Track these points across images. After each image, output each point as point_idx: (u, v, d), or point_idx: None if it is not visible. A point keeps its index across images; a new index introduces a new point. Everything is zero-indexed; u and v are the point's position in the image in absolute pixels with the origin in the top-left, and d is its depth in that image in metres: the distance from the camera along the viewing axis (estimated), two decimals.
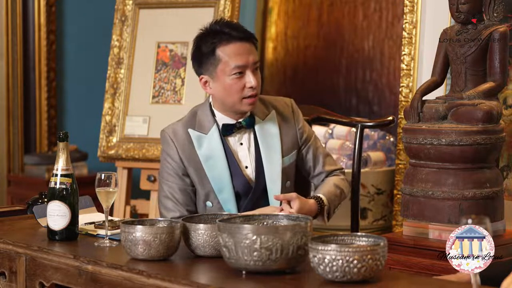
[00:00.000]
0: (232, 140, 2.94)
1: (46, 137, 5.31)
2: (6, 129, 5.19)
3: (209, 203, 2.90)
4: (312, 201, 2.88)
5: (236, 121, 2.92)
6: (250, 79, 2.83)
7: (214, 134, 2.91)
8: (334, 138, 4.59)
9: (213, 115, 2.93)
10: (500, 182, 2.98)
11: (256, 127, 2.94)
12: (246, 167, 2.93)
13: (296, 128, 3.00)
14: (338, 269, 1.99)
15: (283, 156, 2.94)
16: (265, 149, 2.92)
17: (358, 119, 3.52)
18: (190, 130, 2.92)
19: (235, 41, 2.84)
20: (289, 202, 2.79)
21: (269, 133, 2.94)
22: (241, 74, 2.84)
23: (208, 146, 2.90)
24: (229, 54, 2.84)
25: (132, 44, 4.48)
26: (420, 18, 3.94)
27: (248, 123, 2.93)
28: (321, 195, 2.93)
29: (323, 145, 4.54)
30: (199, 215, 2.48)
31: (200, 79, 2.92)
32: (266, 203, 2.89)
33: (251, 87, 2.84)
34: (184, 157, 2.91)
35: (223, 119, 2.92)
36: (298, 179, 3.11)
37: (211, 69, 2.87)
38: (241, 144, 2.94)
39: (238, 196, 2.91)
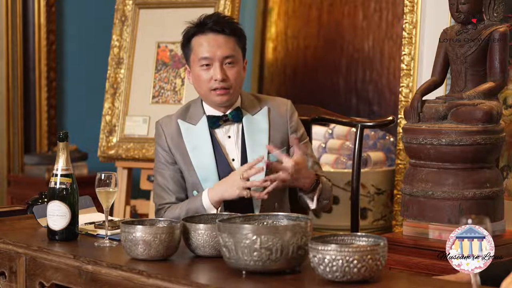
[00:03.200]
0: (220, 132, 2.96)
1: (46, 137, 5.31)
2: (6, 129, 5.19)
3: (195, 193, 2.93)
4: (312, 171, 2.86)
5: (223, 113, 2.94)
6: (216, 72, 2.87)
7: (202, 125, 2.95)
8: (334, 138, 4.59)
9: (203, 107, 2.97)
10: (500, 182, 2.98)
11: (244, 121, 2.95)
12: (233, 159, 2.94)
13: (288, 126, 3.00)
14: (338, 269, 1.99)
15: (269, 152, 2.94)
16: (251, 143, 2.93)
17: (358, 119, 3.52)
18: (179, 121, 2.97)
19: (208, 32, 2.90)
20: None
21: (258, 128, 2.96)
22: (208, 66, 2.89)
23: (196, 136, 2.94)
24: (199, 44, 2.90)
25: (132, 44, 4.48)
26: (420, 18, 3.94)
27: (234, 116, 2.95)
28: (320, 176, 2.91)
29: (323, 145, 4.57)
30: (199, 215, 2.49)
31: (185, 69, 3.00)
32: (250, 197, 2.88)
33: (216, 80, 2.87)
34: (172, 146, 2.95)
35: (210, 111, 2.96)
36: None
37: (188, 58, 2.96)
38: (229, 137, 2.96)
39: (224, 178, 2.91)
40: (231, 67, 2.89)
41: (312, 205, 2.87)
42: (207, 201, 2.82)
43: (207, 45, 2.89)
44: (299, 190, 2.89)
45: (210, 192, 2.83)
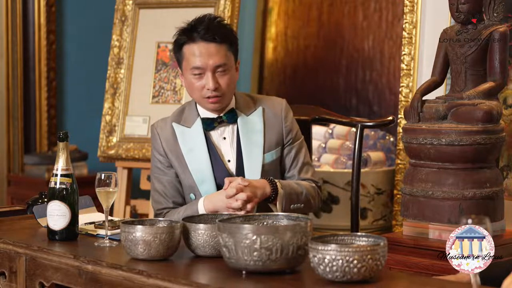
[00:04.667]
0: (215, 134, 2.97)
1: (46, 137, 5.31)
2: (6, 129, 5.19)
3: (192, 196, 2.94)
4: (262, 180, 2.85)
5: (217, 115, 2.95)
6: (208, 81, 2.87)
7: (197, 128, 2.96)
8: (334, 138, 4.59)
9: (197, 110, 2.98)
10: (500, 182, 2.98)
11: (239, 122, 2.96)
12: (229, 161, 2.95)
13: (282, 125, 3.00)
14: (338, 269, 1.99)
15: (264, 152, 2.94)
16: (246, 144, 2.94)
17: (358, 119, 3.52)
18: (174, 124, 2.98)
19: (199, 41, 2.89)
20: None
21: (253, 128, 2.96)
22: (201, 75, 2.89)
23: (191, 139, 2.95)
24: (190, 53, 2.90)
25: (132, 44, 4.48)
26: (420, 18, 3.94)
27: (229, 118, 2.95)
28: (276, 180, 2.88)
29: (323, 145, 4.57)
30: (199, 215, 2.49)
31: (178, 72, 2.98)
32: None
33: (208, 89, 2.87)
34: (167, 149, 2.96)
35: (204, 113, 2.97)
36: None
37: (180, 63, 2.96)
38: (224, 138, 2.97)
39: (220, 189, 2.91)
40: (223, 75, 2.89)
41: (278, 209, 2.86)
42: (202, 209, 2.84)
43: (199, 54, 2.88)
44: (266, 201, 2.88)
45: (206, 201, 2.84)
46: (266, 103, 3.02)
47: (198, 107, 2.98)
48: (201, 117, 2.96)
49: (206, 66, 2.87)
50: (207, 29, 2.89)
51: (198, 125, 2.96)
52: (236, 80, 2.98)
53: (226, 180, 2.80)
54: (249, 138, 2.95)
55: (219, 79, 2.89)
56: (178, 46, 2.93)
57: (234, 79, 2.94)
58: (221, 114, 2.95)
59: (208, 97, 2.89)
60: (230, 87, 2.92)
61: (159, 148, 2.98)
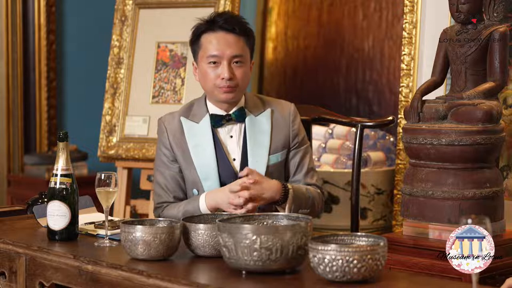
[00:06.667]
0: (223, 131, 2.97)
1: (46, 137, 5.31)
2: (6, 129, 5.19)
3: (195, 191, 2.94)
4: (275, 181, 2.85)
5: (226, 112, 2.94)
6: (224, 71, 2.88)
7: (204, 124, 2.96)
8: (334, 138, 4.59)
9: (207, 106, 2.97)
10: (500, 182, 2.98)
11: (247, 122, 2.96)
12: (234, 159, 2.96)
13: (290, 129, 3.01)
14: (338, 269, 1.99)
15: (270, 154, 2.95)
16: (252, 144, 2.94)
17: (358, 119, 3.52)
18: (182, 119, 2.99)
19: (218, 31, 2.91)
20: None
21: (260, 129, 2.96)
22: (216, 63, 2.89)
23: (198, 134, 2.96)
24: (208, 41, 2.91)
25: (132, 44, 4.48)
26: (420, 18, 3.93)
27: (237, 116, 2.95)
28: (289, 185, 2.88)
29: (323, 145, 4.57)
30: (199, 215, 2.49)
31: (192, 65, 3.01)
32: None
33: (223, 79, 2.87)
34: (174, 143, 2.97)
35: (213, 110, 2.97)
36: None
37: (196, 54, 2.96)
38: (231, 136, 2.97)
39: (224, 186, 2.91)
40: (239, 67, 2.90)
41: (285, 210, 2.86)
42: (204, 205, 2.84)
43: (217, 43, 2.89)
44: (274, 204, 2.88)
45: (208, 197, 2.84)
46: (275, 106, 3.03)
47: (208, 103, 2.98)
48: (210, 113, 2.97)
49: (223, 55, 2.88)
50: (227, 20, 2.91)
51: (206, 121, 2.96)
52: (249, 78, 2.98)
53: (246, 168, 2.81)
54: (256, 139, 2.95)
55: (234, 70, 2.89)
56: (196, 35, 2.94)
57: (248, 75, 2.95)
58: (230, 112, 2.95)
59: (222, 87, 2.89)
60: (244, 81, 2.92)
61: (166, 142, 2.98)
